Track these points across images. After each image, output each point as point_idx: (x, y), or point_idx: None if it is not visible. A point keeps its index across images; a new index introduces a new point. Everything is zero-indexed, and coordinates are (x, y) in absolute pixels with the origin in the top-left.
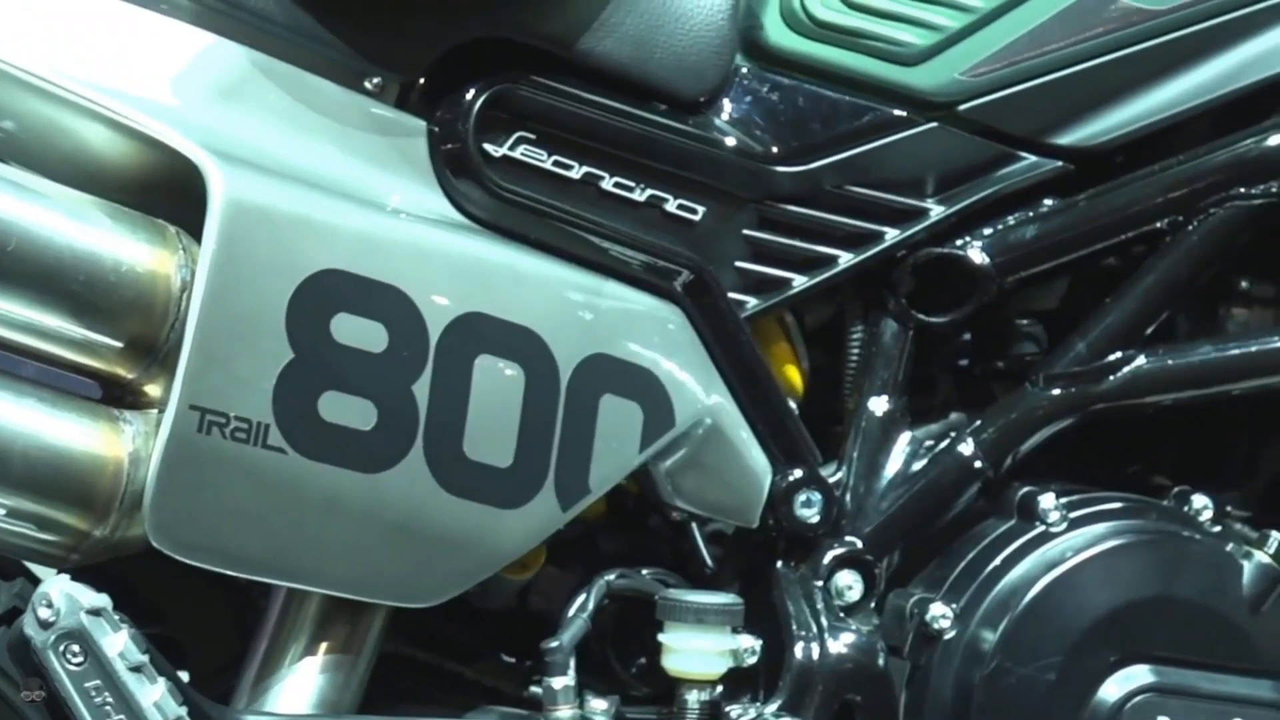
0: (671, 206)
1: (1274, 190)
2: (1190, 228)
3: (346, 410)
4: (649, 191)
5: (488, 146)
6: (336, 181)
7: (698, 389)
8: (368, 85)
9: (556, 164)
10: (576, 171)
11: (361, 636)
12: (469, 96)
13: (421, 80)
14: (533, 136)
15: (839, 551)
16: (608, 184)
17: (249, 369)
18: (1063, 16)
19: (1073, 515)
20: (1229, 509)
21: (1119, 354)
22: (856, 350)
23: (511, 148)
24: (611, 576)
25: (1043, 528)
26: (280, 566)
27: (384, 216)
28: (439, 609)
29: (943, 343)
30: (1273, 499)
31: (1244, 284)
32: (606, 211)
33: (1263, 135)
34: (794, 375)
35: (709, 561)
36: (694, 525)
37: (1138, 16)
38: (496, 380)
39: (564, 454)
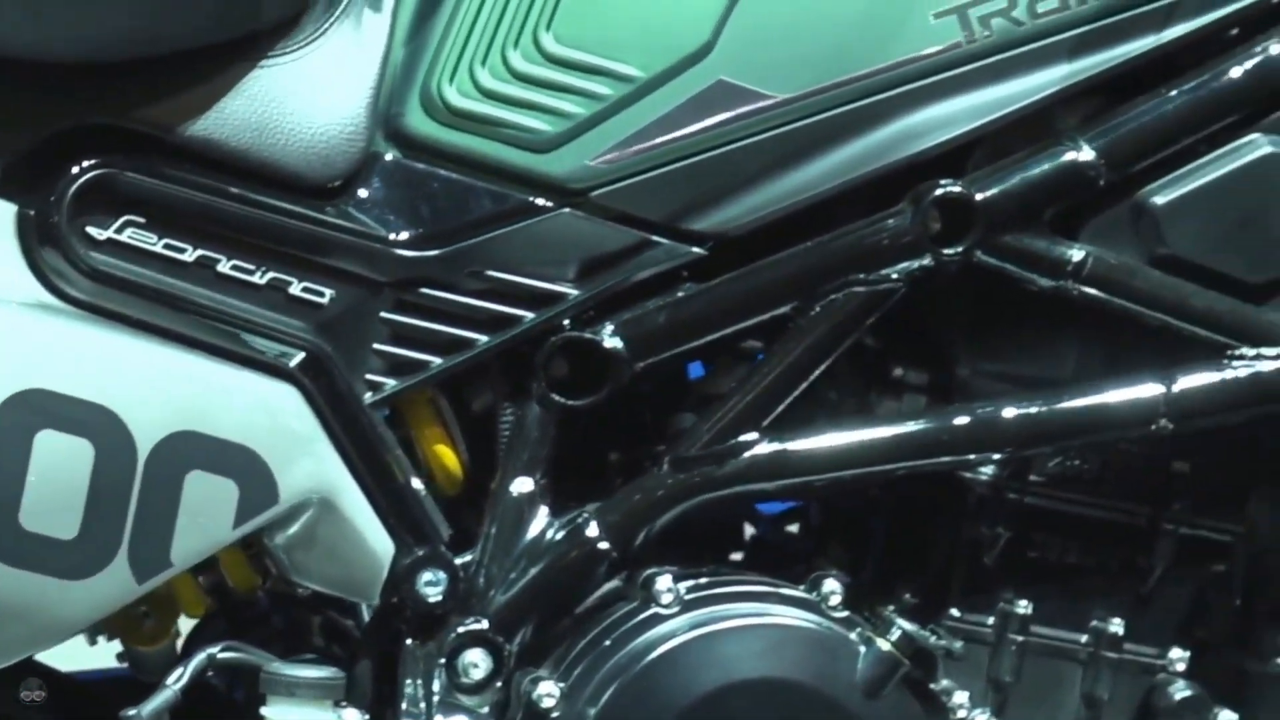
0: (296, 290)
1: (893, 277)
2: (813, 313)
3: None
4: (271, 274)
5: (91, 230)
6: None
7: (308, 467)
8: None
9: (168, 247)
10: (190, 255)
11: None
12: (66, 180)
13: (21, 164)
14: (141, 220)
15: (464, 630)
16: (225, 267)
17: None
18: (691, 104)
19: (687, 598)
20: (908, 596)
21: (740, 438)
22: (506, 432)
23: (118, 230)
24: (215, 649)
25: (655, 609)
26: None
27: None
28: (97, 677)
29: (607, 424)
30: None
31: (898, 371)
32: (225, 293)
33: (879, 222)
34: (448, 458)
35: (360, 636)
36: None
37: (766, 104)
38: (60, 455)
39: (140, 528)
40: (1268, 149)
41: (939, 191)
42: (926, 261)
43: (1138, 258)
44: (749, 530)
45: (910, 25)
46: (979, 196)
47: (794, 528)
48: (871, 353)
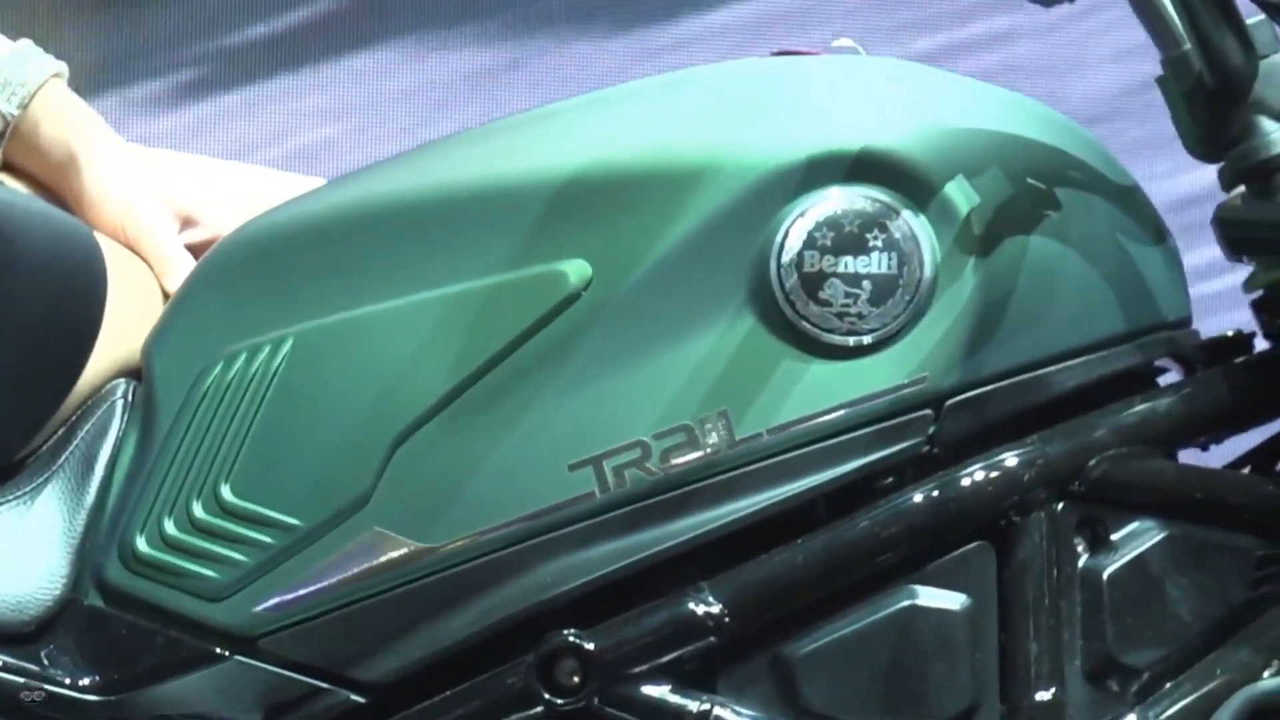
0: None
1: None
2: None
3: None
4: None
5: None
6: None
7: None
8: None
9: None
10: None
11: None
12: None
13: None
14: None
15: None
16: None
17: None
18: (347, 553)
19: None
20: None
21: None
22: None
23: None
24: None
25: None
26: None
27: None
28: None
29: None
30: None
31: None
32: None
33: (502, 672)
34: None
35: None
36: None
37: (418, 553)
38: None
39: None
40: (910, 600)
41: (552, 642)
42: (541, 711)
43: (775, 710)
44: None
45: (548, 476)
46: (592, 646)
47: None
48: None
